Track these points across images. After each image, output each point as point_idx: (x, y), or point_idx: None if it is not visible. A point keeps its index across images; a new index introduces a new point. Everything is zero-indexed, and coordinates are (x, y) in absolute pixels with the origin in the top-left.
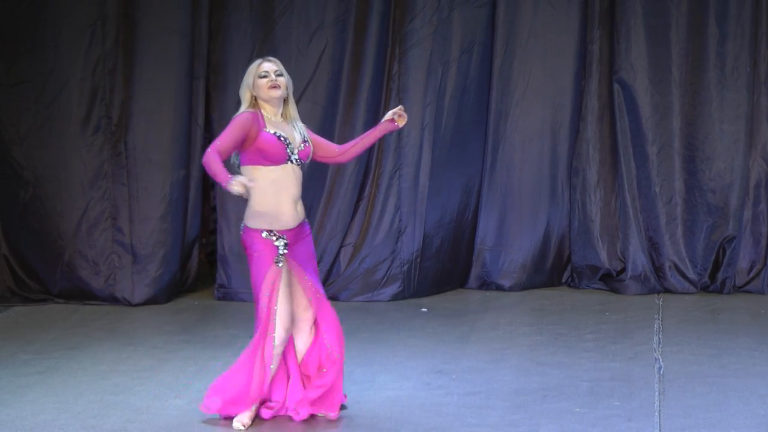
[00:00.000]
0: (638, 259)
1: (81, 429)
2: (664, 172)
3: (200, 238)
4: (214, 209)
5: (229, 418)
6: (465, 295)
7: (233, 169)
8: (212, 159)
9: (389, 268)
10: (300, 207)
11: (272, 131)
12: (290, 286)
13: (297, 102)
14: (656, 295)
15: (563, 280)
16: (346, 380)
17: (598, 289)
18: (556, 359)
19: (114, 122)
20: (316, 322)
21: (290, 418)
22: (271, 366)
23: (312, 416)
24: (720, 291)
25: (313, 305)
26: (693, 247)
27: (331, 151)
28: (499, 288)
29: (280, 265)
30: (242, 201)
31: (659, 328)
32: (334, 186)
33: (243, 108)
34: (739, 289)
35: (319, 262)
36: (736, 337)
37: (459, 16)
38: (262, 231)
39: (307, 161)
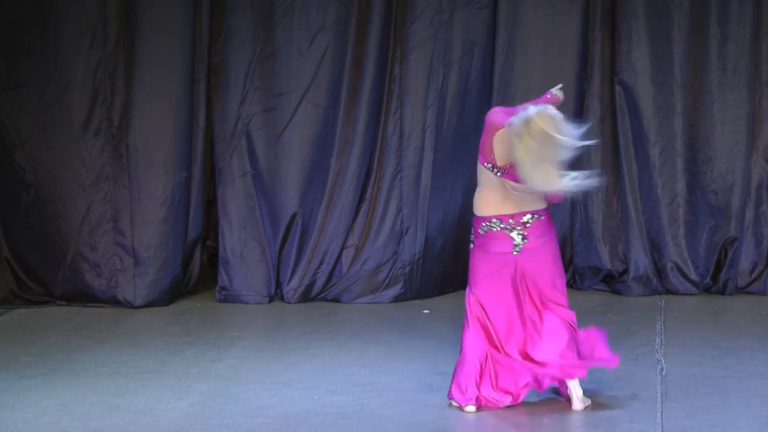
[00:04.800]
0: (640, 260)
1: (83, 431)
2: (666, 174)
3: (202, 240)
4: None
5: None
6: None
7: None
8: None
9: (391, 269)
10: None
11: None
12: None
13: (298, 104)
14: (658, 296)
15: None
16: (348, 382)
17: (600, 290)
18: None
19: (115, 124)
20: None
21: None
22: None
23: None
24: (722, 292)
25: None
26: (695, 248)
27: None
28: None
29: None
30: (243, 204)
31: (661, 329)
32: (336, 188)
33: None
34: (742, 290)
35: (320, 264)
36: (738, 338)
37: (460, 18)
38: None
39: None
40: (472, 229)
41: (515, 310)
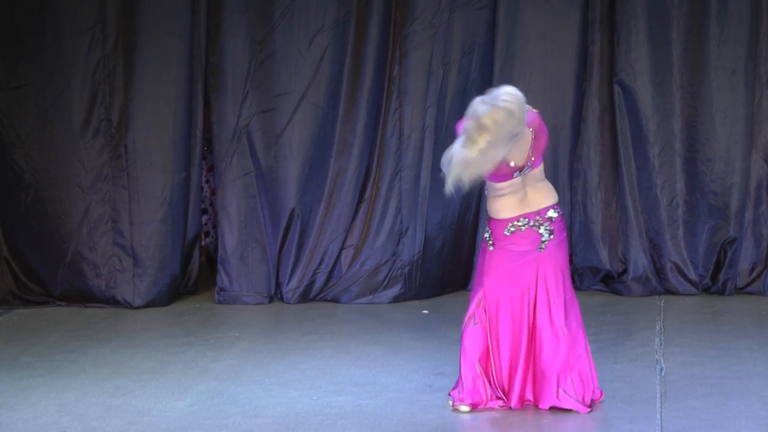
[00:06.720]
0: (639, 260)
1: (83, 431)
2: (665, 174)
3: (201, 240)
4: (205, 211)
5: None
6: (466, 297)
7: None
8: None
9: (390, 270)
10: None
11: None
12: None
13: (297, 105)
14: (657, 296)
15: None
16: (347, 382)
17: (599, 290)
18: None
19: (114, 125)
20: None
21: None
22: None
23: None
24: (721, 292)
25: None
26: (694, 248)
27: None
28: None
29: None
30: (243, 204)
31: (661, 329)
32: (335, 188)
33: None
34: (741, 291)
35: (320, 265)
36: (737, 338)
37: (459, 18)
38: None
39: None
40: (490, 231)
41: (524, 309)
